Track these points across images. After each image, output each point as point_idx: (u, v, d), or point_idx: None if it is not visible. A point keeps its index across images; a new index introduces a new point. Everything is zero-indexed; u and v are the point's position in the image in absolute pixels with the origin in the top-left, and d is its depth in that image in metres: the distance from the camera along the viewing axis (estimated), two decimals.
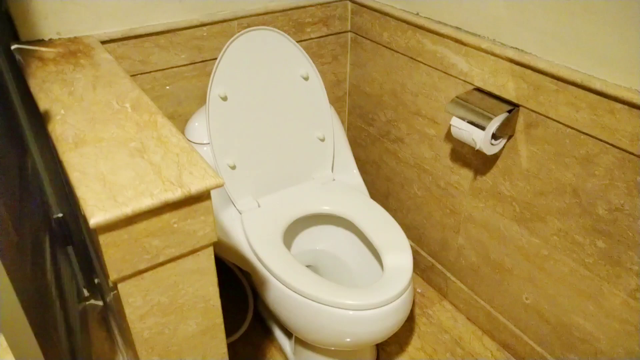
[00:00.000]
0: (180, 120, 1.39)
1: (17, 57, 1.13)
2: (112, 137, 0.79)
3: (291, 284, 1.04)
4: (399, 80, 1.38)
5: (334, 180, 1.37)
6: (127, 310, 0.70)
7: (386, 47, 1.38)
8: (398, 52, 1.35)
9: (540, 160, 1.06)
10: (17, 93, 1.19)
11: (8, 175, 0.97)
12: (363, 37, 1.46)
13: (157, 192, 0.66)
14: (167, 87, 1.35)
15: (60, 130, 0.81)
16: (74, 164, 0.72)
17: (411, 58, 1.31)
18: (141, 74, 1.30)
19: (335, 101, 1.63)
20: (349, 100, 1.63)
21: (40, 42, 1.18)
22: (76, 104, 0.90)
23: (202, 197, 0.69)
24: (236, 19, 1.35)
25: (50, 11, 1.16)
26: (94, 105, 0.89)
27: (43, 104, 0.91)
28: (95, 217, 0.62)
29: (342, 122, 1.67)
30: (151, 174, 0.70)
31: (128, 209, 0.63)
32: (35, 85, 0.98)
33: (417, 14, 1.26)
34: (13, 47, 1.15)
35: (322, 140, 1.35)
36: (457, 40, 1.16)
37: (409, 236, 1.56)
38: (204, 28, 1.32)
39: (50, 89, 0.96)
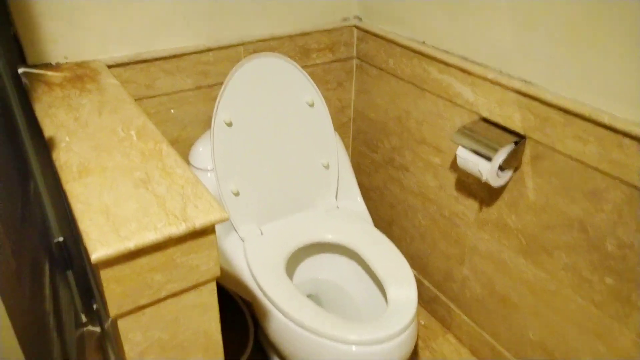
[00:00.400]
0: (185, 145, 1.39)
1: (24, 80, 1.13)
2: (117, 166, 0.78)
3: (293, 316, 1.02)
4: (404, 107, 1.38)
5: (337, 207, 1.36)
6: (127, 347, 0.68)
7: (391, 75, 1.38)
8: (403, 79, 1.35)
9: (547, 193, 1.05)
10: (23, 116, 1.18)
11: (10, 200, 0.96)
12: (368, 63, 1.47)
13: (160, 226, 0.65)
14: (172, 111, 1.34)
15: (65, 159, 0.81)
16: (77, 195, 0.71)
17: (416, 86, 1.31)
18: (147, 98, 1.30)
19: (340, 127, 1.63)
20: (353, 126, 1.63)
21: (48, 65, 1.18)
22: (81, 131, 0.89)
23: (207, 231, 0.68)
24: (242, 44, 1.36)
25: (58, 35, 1.16)
26: (99, 132, 0.89)
27: (48, 130, 0.90)
28: (98, 252, 0.61)
29: (347, 148, 1.67)
30: (155, 206, 0.69)
31: (131, 244, 0.62)
32: (41, 110, 0.98)
33: (423, 42, 1.26)
34: (20, 70, 1.15)
35: (327, 167, 1.34)
36: (463, 70, 1.16)
37: (412, 265, 1.54)
38: (210, 53, 1.33)
39: (55, 115, 0.96)
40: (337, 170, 1.36)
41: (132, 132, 0.88)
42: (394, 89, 1.39)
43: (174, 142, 1.38)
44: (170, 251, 0.67)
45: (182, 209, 0.68)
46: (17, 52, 1.15)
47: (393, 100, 1.41)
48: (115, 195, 0.71)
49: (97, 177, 0.76)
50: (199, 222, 0.66)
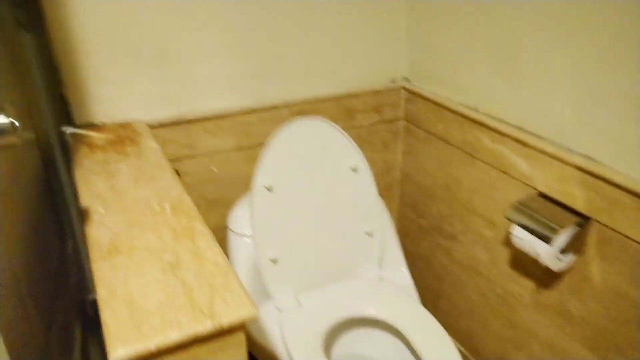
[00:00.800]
0: (225, 205, 1.36)
1: (69, 141, 1.14)
2: (147, 246, 0.74)
3: None
4: (454, 174, 1.30)
5: (381, 278, 1.27)
6: None
7: (441, 139, 1.32)
8: (453, 145, 1.28)
9: (616, 283, 0.94)
10: (67, 173, 1.19)
11: (45, 266, 0.95)
12: (416, 126, 1.41)
13: (185, 323, 0.59)
14: (214, 170, 1.32)
15: (96, 234, 0.78)
16: (103, 279, 0.67)
17: (467, 153, 1.23)
18: (188, 158, 1.28)
19: (385, 189, 1.56)
20: (399, 189, 1.56)
21: (92, 126, 1.18)
22: (116, 201, 0.87)
23: (235, 329, 0.62)
24: (286, 105, 1.34)
25: (104, 96, 1.17)
26: (134, 204, 0.86)
27: (84, 200, 0.88)
28: (117, 352, 0.56)
29: (392, 211, 1.59)
30: (182, 297, 0.63)
31: (152, 344, 0.57)
32: (80, 176, 0.97)
33: (475, 109, 1.20)
34: (66, 131, 1.16)
35: (370, 235, 1.27)
36: (518, 141, 1.08)
37: (461, 343, 1.42)
38: (254, 114, 1.31)
39: (93, 182, 0.94)
40: (380, 238, 1.28)
41: (167, 205, 0.85)
42: (443, 154, 1.32)
43: (214, 203, 1.36)
44: (194, 350, 0.61)
45: (209, 303, 0.62)
46: (65, 113, 1.16)
47: (442, 165, 1.34)
48: (141, 281, 0.67)
49: (126, 258, 0.72)
50: (226, 320, 0.60)
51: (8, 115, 0.56)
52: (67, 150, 1.13)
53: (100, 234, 0.78)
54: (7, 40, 0.95)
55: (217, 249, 0.74)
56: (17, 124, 0.57)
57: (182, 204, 0.85)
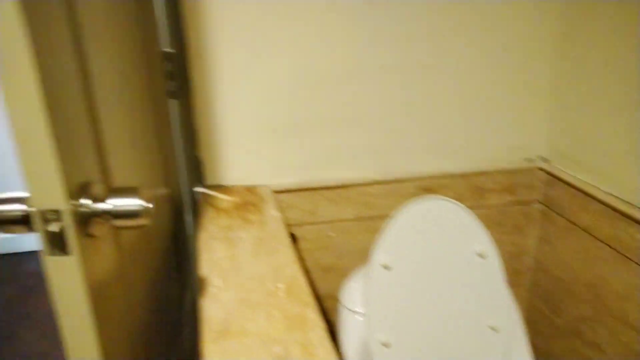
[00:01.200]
0: (339, 274, 1.32)
1: (198, 200, 1.19)
2: (258, 332, 0.72)
3: None
4: (600, 273, 1.13)
5: None
6: None
7: (584, 231, 1.16)
8: (601, 240, 1.11)
9: None
10: (194, 227, 1.24)
11: (163, 320, 0.97)
12: (555, 212, 1.26)
13: None
14: (331, 236, 1.30)
15: (211, 310, 0.77)
16: None
17: (619, 252, 1.07)
18: (308, 224, 1.27)
19: (514, 275, 1.41)
20: (531, 278, 1.41)
21: (220, 187, 1.23)
22: (233, 274, 0.87)
23: None
24: (411, 179, 1.28)
25: (234, 160, 1.21)
26: (250, 281, 0.85)
27: (203, 268, 0.89)
28: None
29: (520, 301, 1.43)
30: None
31: None
32: (203, 241, 0.99)
33: (630, 202, 1.04)
34: (197, 190, 1.22)
35: (495, 330, 1.14)
36: None
37: None
38: (376, 186, 1.27)
39: (214, 250, 0.95)
40: (507, 335, 1.14)
41: (281, 286, 0.83)
42: (587, 248, 1.16)
43: (328, 270, 1.33)
44: None
45: None
46: (198, 173, 1.22)
47: (585, 261, 1.17)
48: None
49: (236, 343, 0.70)
50: None
51: (142, 197, 0.57)
52: (197, 209, 1.18)
53: (214, 311, 0.77)
54: (156, 108, 1.03)
55: (328, 345, 0.69)
56: (150, 206, 0.57)
57: (296, 286, 0.82)
